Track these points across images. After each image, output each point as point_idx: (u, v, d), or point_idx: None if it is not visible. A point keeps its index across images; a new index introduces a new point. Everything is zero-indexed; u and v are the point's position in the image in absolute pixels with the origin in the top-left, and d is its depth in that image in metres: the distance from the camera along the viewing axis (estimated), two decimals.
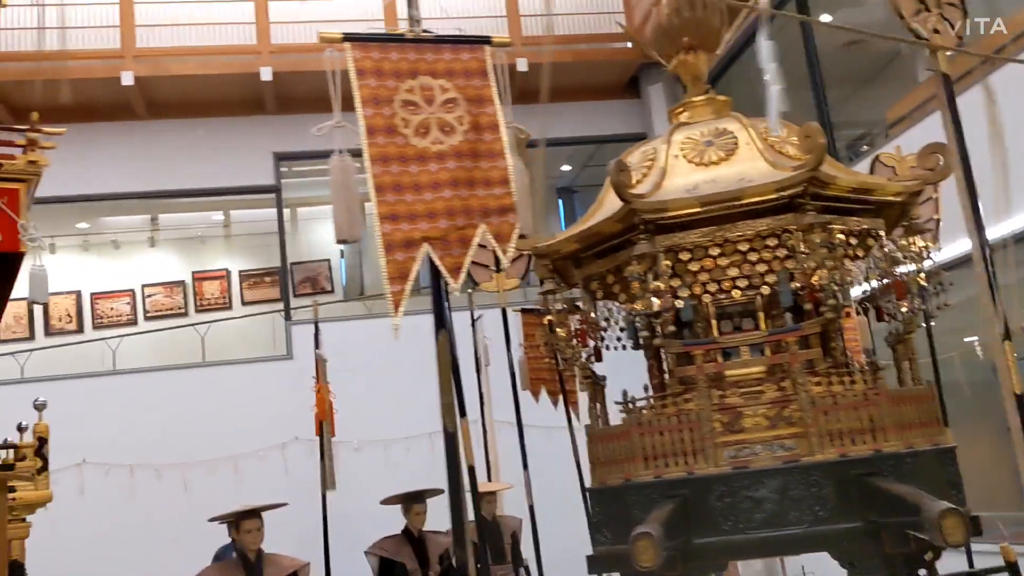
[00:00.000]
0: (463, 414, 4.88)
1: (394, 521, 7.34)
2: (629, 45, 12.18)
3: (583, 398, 7.21)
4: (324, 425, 9.55)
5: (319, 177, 13.87)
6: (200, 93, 11.62)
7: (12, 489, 4.08)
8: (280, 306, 13.19)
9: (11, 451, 4.16)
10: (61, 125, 4.78)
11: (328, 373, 10.93)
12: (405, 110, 3.07)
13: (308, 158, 12.78)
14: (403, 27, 3.33)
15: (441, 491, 7.06)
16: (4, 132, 4.52)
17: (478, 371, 10.39)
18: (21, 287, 3.75)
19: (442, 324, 3.16)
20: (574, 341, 5.30)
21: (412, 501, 6.64)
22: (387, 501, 6.97)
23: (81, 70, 10.86)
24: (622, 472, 4.66)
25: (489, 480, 9.87)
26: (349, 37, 3.09)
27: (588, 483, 5.25)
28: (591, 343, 5.51)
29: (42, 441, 4.18)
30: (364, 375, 11.57)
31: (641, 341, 5.39)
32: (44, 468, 4.14)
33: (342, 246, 14.63)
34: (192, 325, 12.59)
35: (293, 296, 13.61)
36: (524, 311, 8.09)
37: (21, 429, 4.52)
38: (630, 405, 5.07)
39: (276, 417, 11.27)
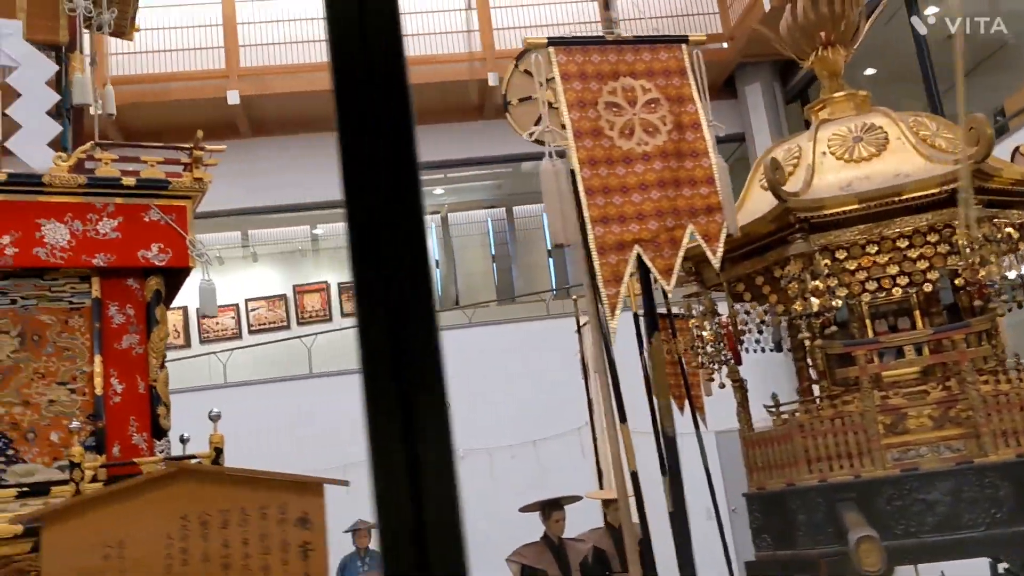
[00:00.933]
0: (623, 419, 4.86)
1: (510, 529, 7.37)
2: (725, 45, 12.05)
3: (708, 403, 7.14)
4: None
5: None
6: (300, 110, 11.88)
7: None
8: None
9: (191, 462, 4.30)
10: (171, 144, 4.94)
11: None
12: (609, 112, 3.08)
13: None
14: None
15: (578, 498, 7.05)
16: (169, 151, 4.69)
17: (586, 377, 10.38)
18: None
19: (655, 326, 3.14)
20: (720, 344, 5.24)
21: (551, 508, 6.61)
22: (526, 509, 6.98)
23: (189, 91, 11.21)
24: (784, 477, 4.58)
25: (601, 487, 9.82)
26: (553, 41, 3.12)
27: (721, 489, 5.18)
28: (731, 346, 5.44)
29: (218, 451, 4.29)
30: (464, 384, 11.64)
31: (788, 344, 5.30)
32: None
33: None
34: (298, 337, 12.85)
35: None
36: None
37: (184, 440, 4.65)
38: (781, 408, 4.99)
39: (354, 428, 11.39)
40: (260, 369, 12.67)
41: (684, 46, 3.15)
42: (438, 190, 14.30)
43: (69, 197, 4.37)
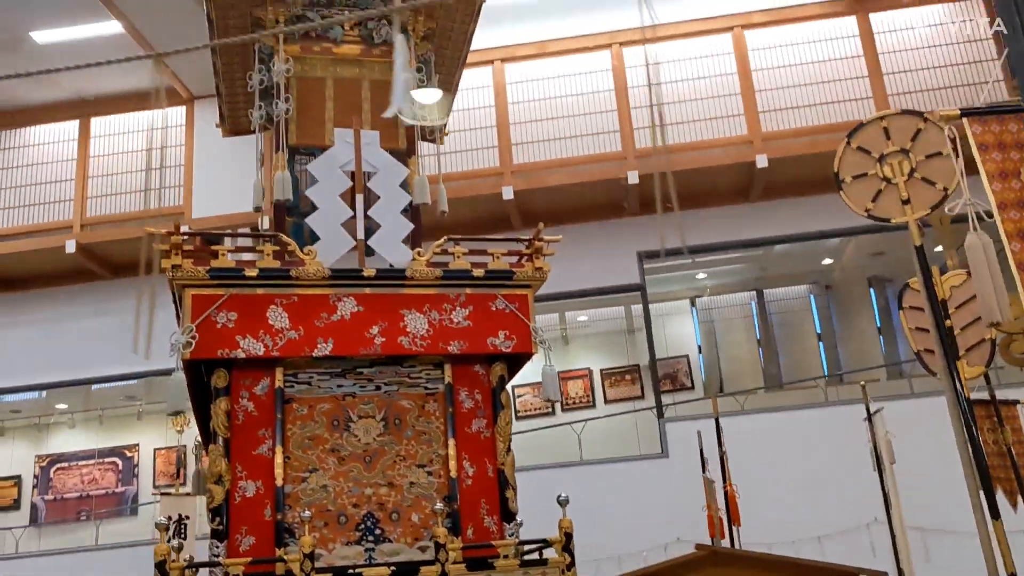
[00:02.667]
0: (995, 516, 4.43)
1: None
2: None
3: None
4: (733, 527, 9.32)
5: (672, 273, 14.03)
6: (569, 201, 12.25)
7: None
8: (645, 403, 13.26)
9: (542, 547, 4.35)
10: (514, 237, 5.12)
11: (710, 471, 10.70)
12: None
13: (669, 255, 12.92)
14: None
15: None
16: (512, 242, 4.91)
17: (880, 469, 9.68)
18: None
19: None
20: None
21: None
22: None
23: (468, 188, 11.87)
24: None
25: None
26: (967, 112, 2.99)
27: None
28: None
29: (568, 536, 4.31)
30: (742, 472, 11.20)
31: None
32: (572, 564, 4.26)
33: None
34: (568, 423, 12.97)
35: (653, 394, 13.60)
36: (974, 402, 7.40)
37: (517, 522, 4.71)
38: None
39: (656, 516, 11.17)
40: (528, 456, 12.83)
41: None
42: (700, 274, 14.15)
43: (427, 289, 4.66)
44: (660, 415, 12.28)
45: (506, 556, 4.33)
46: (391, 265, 4.81)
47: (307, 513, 4.09)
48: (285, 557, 4.05)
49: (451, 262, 4.76)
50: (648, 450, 12.63)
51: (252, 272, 4.44)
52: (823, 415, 12.28)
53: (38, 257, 12.32)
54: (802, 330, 14.47)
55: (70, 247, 12.03)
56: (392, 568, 4.12)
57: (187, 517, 10.40)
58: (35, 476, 14.42)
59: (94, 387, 13.65)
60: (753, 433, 11.57)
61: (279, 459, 4.34)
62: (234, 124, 7.02)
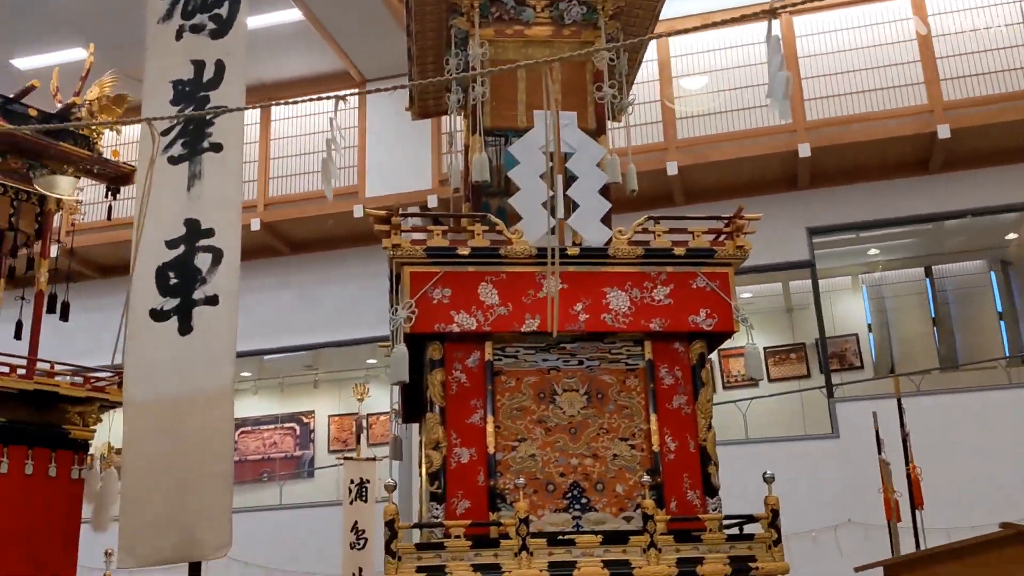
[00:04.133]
0: None
1: None
2: None
3: None
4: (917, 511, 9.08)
5: (842, 248, 13.59)
6: (735, 176, 12.06)
7: (753, 559, 4.30)
8: (810, 383, 12.98)
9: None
10: (714, 215, 5.12)
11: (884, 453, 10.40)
12: None
13: (841, 231, 12.54)
14: None
15: None
16: (713, 220, 4.94)
17: None
18: None
19: None
20: None
21: None
22: None
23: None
24: None
25: None
26: None
27: None
28: None
29: (775, 513, 4.35)
30: (915, 454, 10.82)
31: None
32: (778, 540, 4.30)
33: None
34: (734, 401, 12.84)
35: (819, 373, 13.27)
36: None
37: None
38: None
39: (825, 496, 10.96)
40: None
41: None
42: (872, 249, 13.66)
43: (628, 267, 4.77)
44: (830, 395, 11.99)
45: (711, 530, 4.42)
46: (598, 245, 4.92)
47: (521, 480, 4.30)
48: (502, 521, 4.28)
49: (652, 240, 4.84)
50: (815, 430, 12.37)
51: (465, 251, 4.66)
52: (1006, 396, 11.67)
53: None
54: (980, 308, 13.74)
55: (255, 225, 12.80)
56: (601, 536, 4.28)
57: (367, 481, 10.98)
58: None
59: (265, 358, 14.52)
60: (930, 414, 11.15)
61: (490, 428, 4.56)
62: (422, 107, 7.30)
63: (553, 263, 4.11)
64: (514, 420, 4.64)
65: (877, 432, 10.71)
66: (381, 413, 14.02)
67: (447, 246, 4.66)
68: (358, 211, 12.98)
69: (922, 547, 9.39)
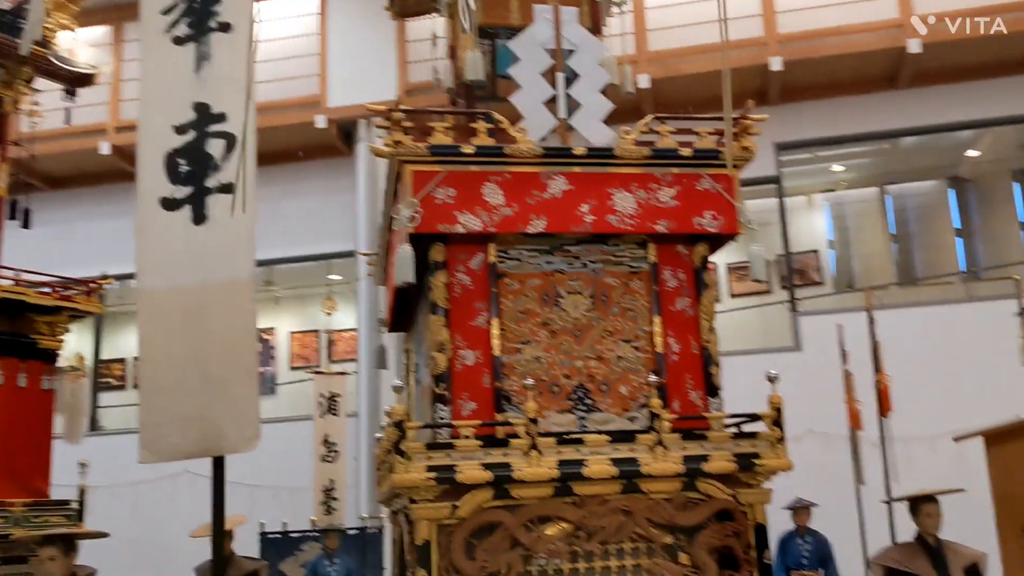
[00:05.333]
0: None
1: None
2: None
3: None
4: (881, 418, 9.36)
5: (809, 165, 13.65)
6: (707, 90, 11.95)
7: (757, 456, 4.35)
8: (771, 299, 13.19)
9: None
10: (721, 116, 5.04)
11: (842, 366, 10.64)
12: None
13: (808, 147, 12.58)
14: None
15: (960, 490, 5.94)
16: (718, 121, 4.86)
17: None
18: None
19: None
20: None
21: (922, 502, 5.58)
22: (891, 501, 6.27)
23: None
24: None
25: None
26: None
27: None
28: None
29: (778, 411, 4.40)
30: (868, 369, 11.09)
31: None
32: (782, 439, 4.36)
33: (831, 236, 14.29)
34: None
35: (781, 287, 13.48)
36: None
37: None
38: None
39: (788, 408, 11.20)
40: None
41: None
42: (836, 167, 13.76)
43: (634, 168, 4.68)
44: (793, 309, 12.20)
45: (716, 429, 4.45)
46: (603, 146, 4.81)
47: (530, 381, 4.27)
48: (512, 421, 4.25)
49: (658, 141, 4.75)
50: (777, 344, 12.61)
51: (469, 149, 4.52)
52: (963, 311, 11.99)
53: None
54: (939, 225, 14.01)
55: None
56: (609, 436, 4.28)
57: (338, 395, 10.94)
58: None
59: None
60: (889, 329, 11.40)
61: (495, 330, 4.50)
62: (402, 6, 7.03)
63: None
64: (519, 323, 4.58)
65: (842, 344, 10.95)
66: (346, 330, 13.91)
67: (450, 144, 4.52)
68: (320, 121, 12.63)
69: (887, 453, 9.69)
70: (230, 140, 3.15)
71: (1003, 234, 13.36)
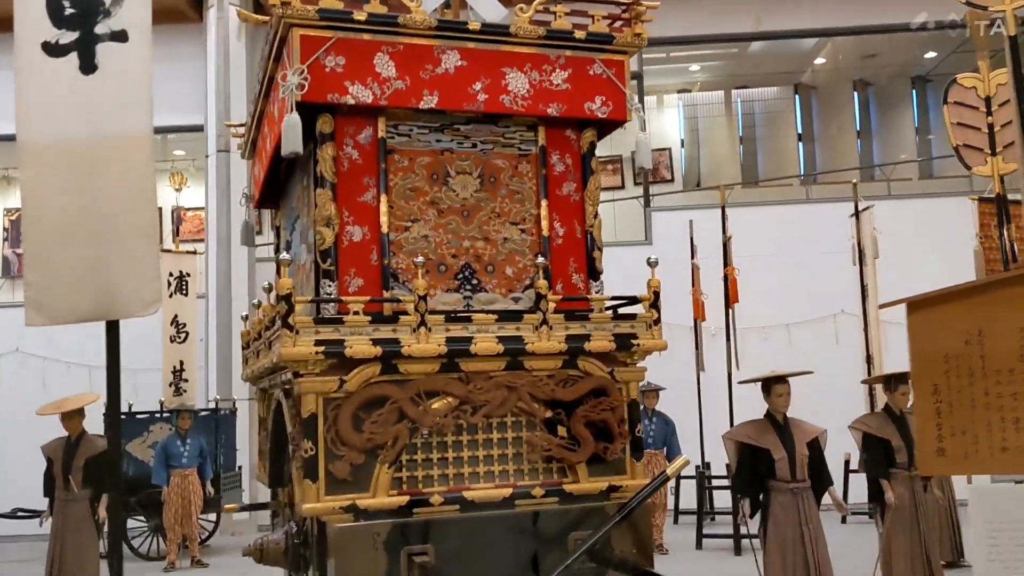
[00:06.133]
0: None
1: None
2: None
3: None
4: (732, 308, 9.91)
5: (664, 65, 13.92)
6: None
7: (635, 336, 4.55)
8: (624, 194, 13.59)
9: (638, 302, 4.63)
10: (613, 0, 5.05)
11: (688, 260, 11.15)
12: None
13: (663, 44, 12.78)
14: None
15: (808, 372, 6.79)
16: (611, 5, 4.86)
17: (861, 263, 10.27)
18: None
19: None
20: None
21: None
22: (746, 382, 7.03)
23: None
24: None
25: (870, 373, 9.83)
26: None
27: None
28: None
29: (656, 294, 4.60)
30: (714, 265, 11.72)
31: None
32: (658, 320, 4.57)
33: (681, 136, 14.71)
34: None
35: (633, 185, 13.88)
36: (983, 200, 7.83)
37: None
38: None
39: None
40: None
41: None
42: (693, 66, 14.09)
43: (528, 48, 4.64)
44: (647, 204, 12.61)
45: (597, 311, 4.61)
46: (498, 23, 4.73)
47: (420, 259, 4.26)
48: (401, 298, 4.24)
49: (552, 22, 4.71)
50: (629, 238, 13.06)
51: (361, 16, 4.33)
52: (802, 211, 12.78)
53: None
54: (784, 130, 14.72)
55: None
56: (496, 315, 4.35)
57: (188, 274, 10.52)
58: (4, 229, 14.18)
59: None
60: (735, 226, 12.03)
61: (383, 207, 4.43)
62: None
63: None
64: (407, 201, 4.53)
65: (692, 239, 11.47)
66: (193, 208, 13.27)
67: (341, 8, 4.31)
68: None
69: (732, 341, 10.34)
70: None
71: (842, 140, 14.20)
